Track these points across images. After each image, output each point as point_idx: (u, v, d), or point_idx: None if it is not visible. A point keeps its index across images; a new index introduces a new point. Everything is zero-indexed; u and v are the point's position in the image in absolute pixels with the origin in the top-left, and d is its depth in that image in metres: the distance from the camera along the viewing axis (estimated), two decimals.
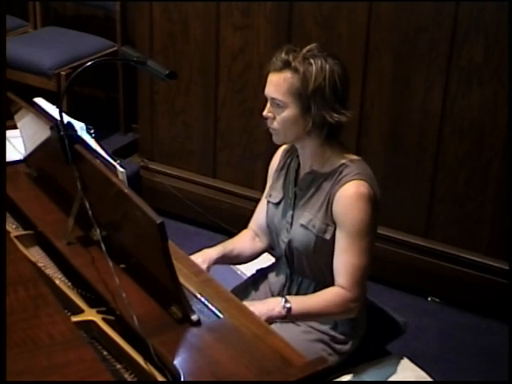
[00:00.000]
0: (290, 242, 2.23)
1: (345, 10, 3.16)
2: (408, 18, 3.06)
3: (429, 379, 2.28)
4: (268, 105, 2.16)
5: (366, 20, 3.13)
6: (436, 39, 3.03)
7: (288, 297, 2.12)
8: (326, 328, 2.22)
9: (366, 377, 2.21)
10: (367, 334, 2.30)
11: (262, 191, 2.41)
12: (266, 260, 2.49)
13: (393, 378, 2.22)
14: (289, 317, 2.09)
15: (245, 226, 2.45)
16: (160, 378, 1.62)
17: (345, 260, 2.12)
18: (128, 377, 1.66)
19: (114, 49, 4.14)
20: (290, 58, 2.10)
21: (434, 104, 3.11)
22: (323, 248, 2.17)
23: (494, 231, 3.16)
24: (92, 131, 2.07)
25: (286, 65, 2.10)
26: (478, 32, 2.95)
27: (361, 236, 2.11)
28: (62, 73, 3.88)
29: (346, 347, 2.24)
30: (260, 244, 2.40)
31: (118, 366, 1.69)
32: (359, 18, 3.14)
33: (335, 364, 2.20)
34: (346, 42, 3.19)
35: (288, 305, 2.08)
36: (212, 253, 2.28)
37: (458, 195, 3.19)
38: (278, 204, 2.29)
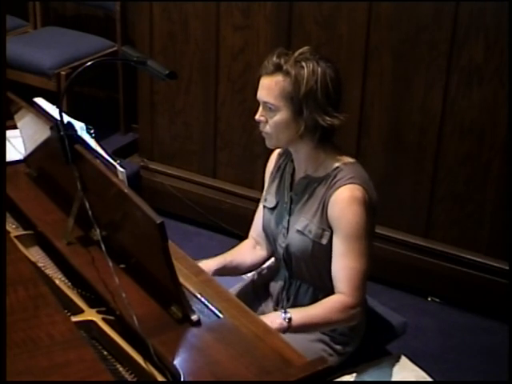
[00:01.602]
0: (287, 247, 2.22)
1: (345, 9, 3.16)
2: (408, 18, 3.06)
3: (429, 379, 2.28)
4: (260, 108, 2.15)
5: (366, 20, 3.12)
6: (436, 39, 3.03)
7: (288, 309, 2.10)
8: None
9: (366, 377, 2.21)
10: (367, 334, 2.30)
11: (262, 191, 2.40)
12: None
13: (393, 378, 2.22)
14: (291, 329, 2.05)
15: (245, 226, 2.45)
16: (160, 378, 1.62)
17: (343, 265, 2.10)
18: (128, 377, 1.66)
19: (114, 49, 4.14)
20: (282, 61, 2.08)
21: (434, 104, 3.11)
22: (321, 253, 2.16)
23: (494, 231, 3.16)
24: (92, 131, 2.07)
25: (278, 68, 2.09)
26: (478, 32, 2.95)
27: (357, 240, 2.09)
28: (62, 73, 3.88)
29: (346, 348, 2.24)
30: (261, 252, 2.37)
31: (118, 365, 1.69)
32: (359, 17, 3.14)
33: (335, 364, 2.19)
34: (345, 42, 3.19)
35: (288, 315, 2.05)
36: (211, 264, 2.26)
37: (458, 195, 3.19)
38: (273, 209, 2.28)
